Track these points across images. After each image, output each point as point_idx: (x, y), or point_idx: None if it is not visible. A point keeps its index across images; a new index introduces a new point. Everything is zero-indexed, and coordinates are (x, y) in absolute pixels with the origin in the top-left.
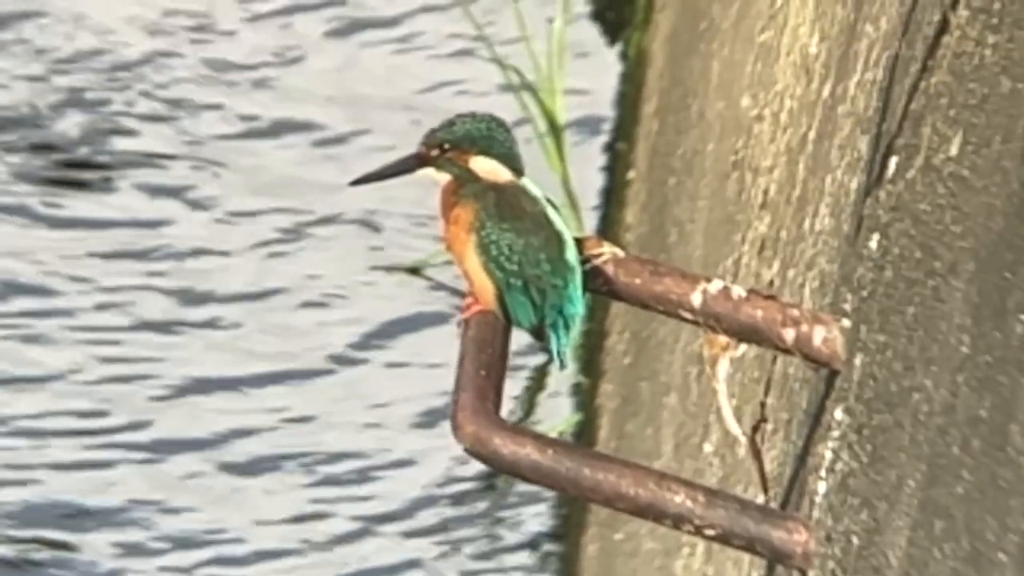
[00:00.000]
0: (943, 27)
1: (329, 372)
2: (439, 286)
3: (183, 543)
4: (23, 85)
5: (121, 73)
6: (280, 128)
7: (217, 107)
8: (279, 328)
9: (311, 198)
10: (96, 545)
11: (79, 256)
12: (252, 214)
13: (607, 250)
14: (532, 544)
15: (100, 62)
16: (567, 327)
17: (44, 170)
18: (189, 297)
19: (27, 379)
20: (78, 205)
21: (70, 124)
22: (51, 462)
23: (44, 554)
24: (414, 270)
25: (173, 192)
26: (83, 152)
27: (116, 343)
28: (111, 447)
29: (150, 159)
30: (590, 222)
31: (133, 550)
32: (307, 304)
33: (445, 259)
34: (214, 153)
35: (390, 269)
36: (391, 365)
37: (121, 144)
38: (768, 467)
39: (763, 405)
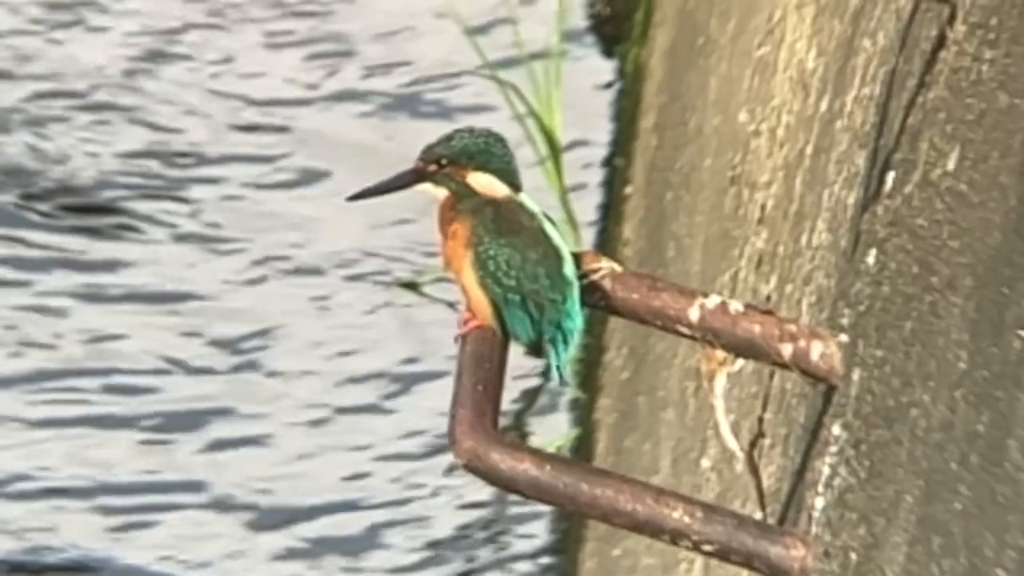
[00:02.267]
0: (940, 42)
1: (324, 387)
2: (436, 301)
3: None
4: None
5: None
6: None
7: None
8: (275, 342)
9: (307, 215)
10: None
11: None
12: (243, 241)
13: (605, 265)
14: (530, 559)
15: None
16: (566, 342)
17: (60, 213)
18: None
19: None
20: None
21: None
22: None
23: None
24: (411, 285)
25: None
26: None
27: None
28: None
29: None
30: (588, 237)
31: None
32: (302, 316)
33: (442, 274)
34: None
35: (387, 284)
36: (387, 380)
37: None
38: (766, 483)
39: (761, 420)
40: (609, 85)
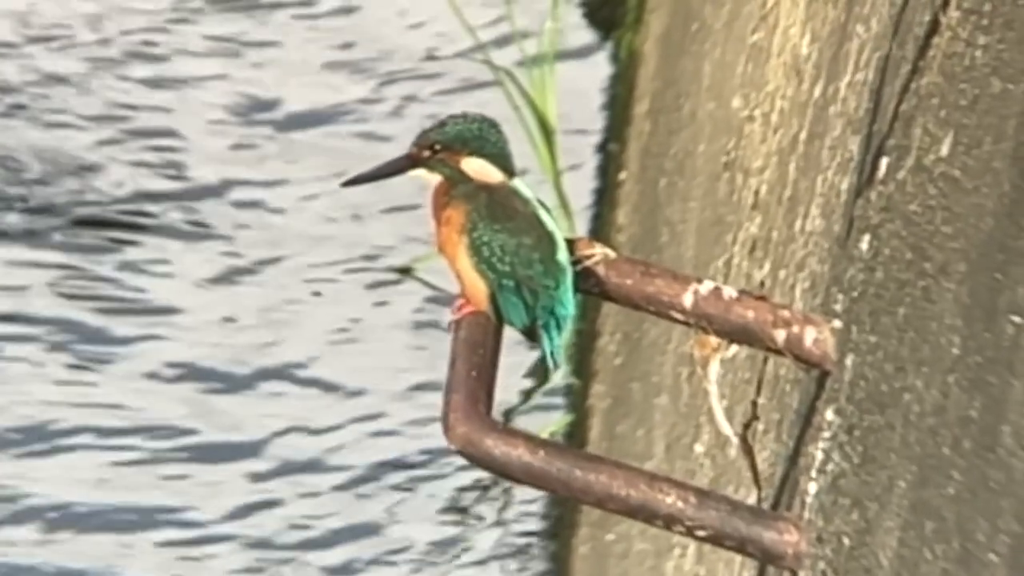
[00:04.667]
0: (934, 28)
1: (317, 372)
2: (430, 287)
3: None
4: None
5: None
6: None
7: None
8: (270, 326)
9: (301, 200)
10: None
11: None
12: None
13: (599, 251)
14: (523, 545)
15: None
16: (559, 328)
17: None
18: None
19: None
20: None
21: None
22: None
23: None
24: (405, 270)
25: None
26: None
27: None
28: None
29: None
30: (582, 223)
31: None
32: (295, 303)
33: (436, 260)
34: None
35: (380, 270)
36: (381, 366)
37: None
38: (759, 467)
39: (754, 405)
40: (603, 71)
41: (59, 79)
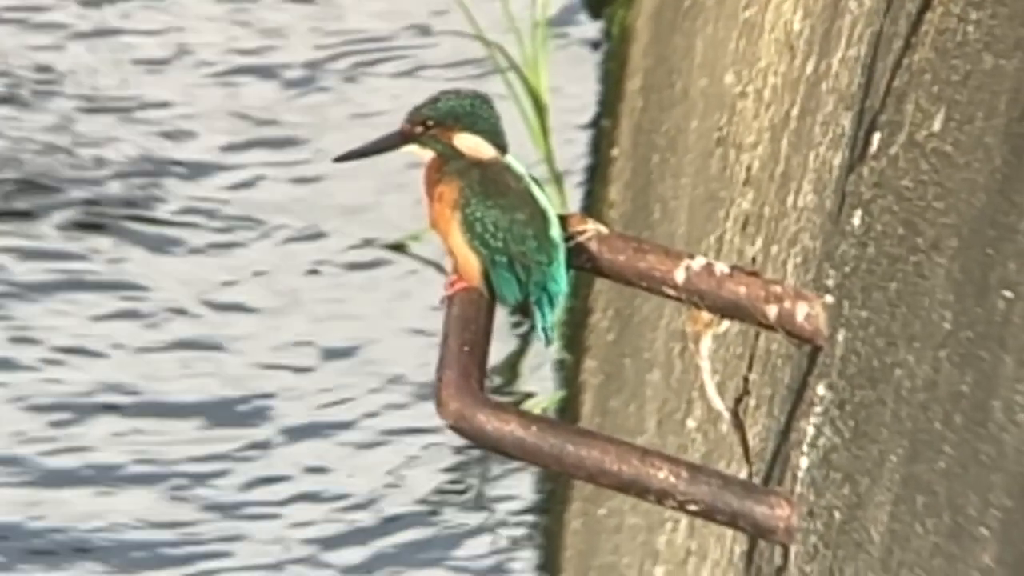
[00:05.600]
0: (926, 4)
1: (311, 349)
2: (423, 262)
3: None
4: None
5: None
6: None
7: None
8: (262, 304)
9: (290, 177)
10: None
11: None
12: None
13: (591, 227)
14: (516, 519)
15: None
16: (552, 304)
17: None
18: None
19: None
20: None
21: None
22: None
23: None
24: (398, 247)
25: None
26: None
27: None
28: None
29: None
30: (574, 199)
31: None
32: (290, 278)
33: (429, 235)
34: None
35: (373, 245)
36: (373, 342)
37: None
38: (751, 442)
39: (746, 381)
40: (596, 47)
41: None
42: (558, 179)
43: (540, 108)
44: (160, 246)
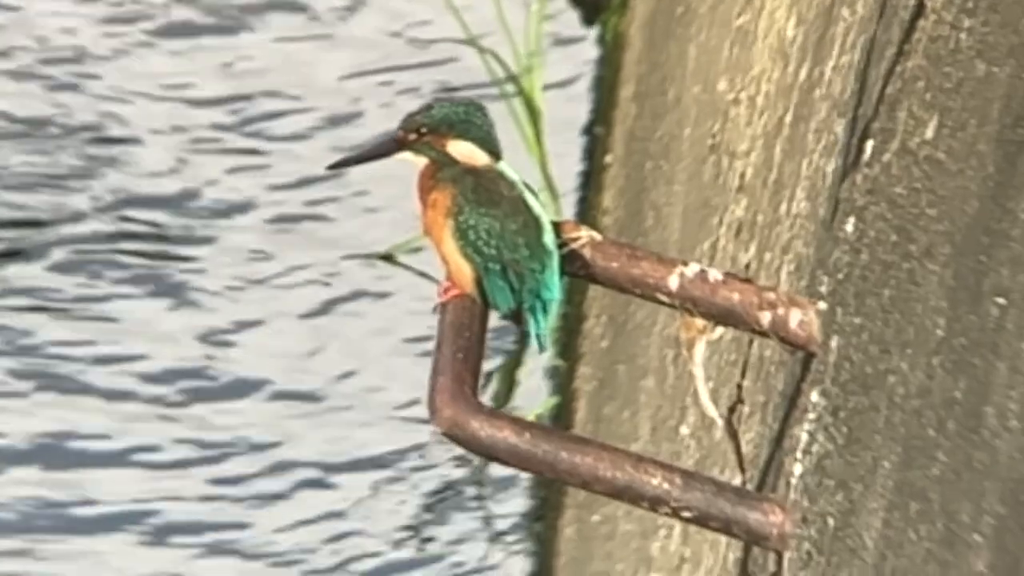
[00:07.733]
0: (919, 11)
1: (304, 359)
2: (414, 271)
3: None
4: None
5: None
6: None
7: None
8: (254, 315)
9: (282, 186)
10: None
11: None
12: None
13: (585, 234)
14: (509, 526)
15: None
16: (545, 311)
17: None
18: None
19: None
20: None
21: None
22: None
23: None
24: (388, 257)
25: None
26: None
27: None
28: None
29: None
30: (568, 206)
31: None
32: (283, 289)
33: (421, 244)
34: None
35: (364, 255)
36: (366, 351)
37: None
38: (744, 449)
39: (740, 387)
40: (589, 54)
41: None
42: (552, 186)
43: (534, 115)
44: (151, 272)
